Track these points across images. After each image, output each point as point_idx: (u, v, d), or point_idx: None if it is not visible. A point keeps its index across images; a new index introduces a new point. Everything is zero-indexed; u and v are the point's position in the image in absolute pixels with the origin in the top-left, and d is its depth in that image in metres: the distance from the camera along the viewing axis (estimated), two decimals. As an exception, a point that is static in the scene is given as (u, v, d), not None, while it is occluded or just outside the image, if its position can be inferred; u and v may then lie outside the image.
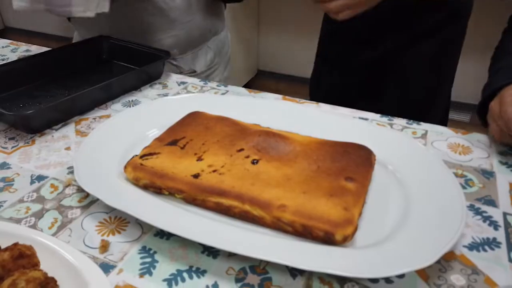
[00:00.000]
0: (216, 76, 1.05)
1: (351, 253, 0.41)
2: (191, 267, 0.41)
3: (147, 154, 0.52)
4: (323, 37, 0.99)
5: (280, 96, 0.74)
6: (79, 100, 0.68)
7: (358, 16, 0.67)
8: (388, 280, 0.40)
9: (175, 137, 0.56)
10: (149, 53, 0.81)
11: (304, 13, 2.37)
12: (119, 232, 0.45)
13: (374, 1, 0.67)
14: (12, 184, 0.53)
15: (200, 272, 0.41)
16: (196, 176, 0.49)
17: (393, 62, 0.85)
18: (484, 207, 0.49)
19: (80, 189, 0.51)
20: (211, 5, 0.96)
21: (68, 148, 0.60)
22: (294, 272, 0.41)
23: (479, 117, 0.63)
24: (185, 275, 0.40)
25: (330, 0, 0.64)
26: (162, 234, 0.45)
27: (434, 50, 0.84)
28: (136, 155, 0.52)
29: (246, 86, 2.50)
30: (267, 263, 0.41)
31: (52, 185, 0.53)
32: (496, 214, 0.48)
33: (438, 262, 0.41)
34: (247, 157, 0.52)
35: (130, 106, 0.71)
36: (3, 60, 0.92)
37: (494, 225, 0.46)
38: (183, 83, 0.80)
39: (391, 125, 0.65)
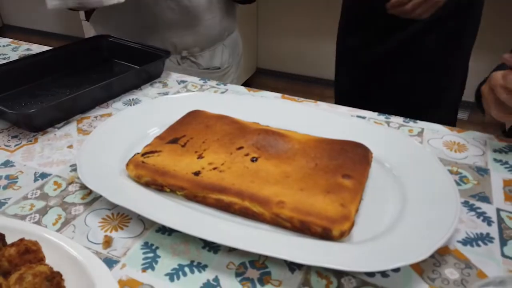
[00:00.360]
0: (230, 75, 1.07)
1: (348, 248, 0.42)
2: (192, 262, 0.42)
3: (149, 152, 0.53)
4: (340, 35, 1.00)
5: (279, 94, 0.75)
6: (80, 99, 0.69)
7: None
8: (384, 274, 0.41)
9: (176, 135, 0.57)
10: (149, 52, 0.82)
11: (303, 12, 2.38)
12: (121, 228, 0.46)
13: None
14: (16, 182, 0.54)
15: (201, 267, 0.42)
16: (196, 173, 0.50)
17: (403, 56, 0.86)
18: (478, 203, 0.50)
19: (83, 187, 0.52)
20: (228, 5, 0.98)
21: (70, 146, 0.61)
22: (292, 266, 0.42)
23: (477, 104, 0.65)
24: (186, 269, 0.42)
25: (406, 3, 0.66)
26: (163, 230, 0.46)
27: (441, 43, 0.85)
28: (138, 153, 0.53)
29: (245, 84, 2.51)
30: (266, 258, 0.42)
31: (55, 183, 0.54)
32: (489, 210, 0.49)
33: (432, 256, 0.42)
34: (247, 155, 0.53)
35: (131, 105, 0.72)
36: (4, 59, 0.92)
37: (488, 220, 0.47)
38: (183, 81, 0.81)
39: (388, 123, 0.67)
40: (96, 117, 0.69)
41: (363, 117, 0.68)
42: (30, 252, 0.38)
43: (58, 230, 0.46)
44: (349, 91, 1.02)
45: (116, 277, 0.41)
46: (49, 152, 0.60)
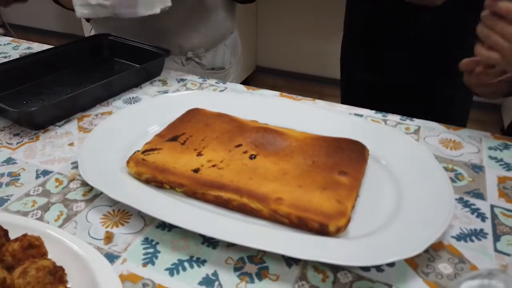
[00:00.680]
0: (231, 74, 1.07)
1: (344, 243, 0.43)
2: (191, 257, 0.43)
3: (149, 149, 0.54)
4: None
5: (277, 93, 0.76)
6: (81, 97, 0.70)
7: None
8: (379, 268, 0.42)
9: (176, 133, 0.58)
10: (149, 51, 0.82)
11: (302, 10, 2.38)
12: (122, 224, 0.47)
13: None
14: (18, 179, 0.55)
15: (201, 262, 0.43)
16: (196, 170, 0.51)
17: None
18: (473, 200, 0.51)
19: (84, 184, 0.53)
20: (230, 4, 0.99)
21: (71, 144, 0.62)
22: (290, 261, 0.43)
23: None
24: (186, 264, 0.43)
25: None
26: (163, 226, 0.47)
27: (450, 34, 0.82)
28: (138, 151, 0.54)
29: (245, 82, 2.52)
30: (264, 253, 0.43)
31: (57, 180, 0.54)
32: (484, 206, 0.50)
33: (427, 251, 0.43)
34: (245, 152, 0.53)
35: (131, 103, 0.73)
36: (5, 57, 0.93)
37: (482, 217, 0.48)
38: (182, 80, 0.81)
39: (385, 121, 0.67)
40: (96, 115, 0.70)
41: (361, 115, 0.69)
42: (33, 247, 0.39)
43: (60, 226, 0.47)
44: (358, 91, 1.00)
45: (117, 271, 0.41)
46: (51, 149, 0.61)
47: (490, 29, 0.55)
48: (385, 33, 0.86)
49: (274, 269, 0.42)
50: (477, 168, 0.56)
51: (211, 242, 0.45)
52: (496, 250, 0.44)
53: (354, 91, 1.02)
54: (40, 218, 0.48)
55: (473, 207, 0.50)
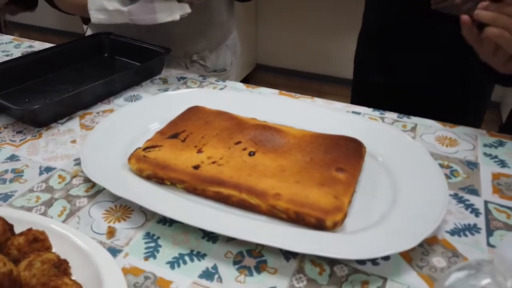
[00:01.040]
0: (233, 74, 1.07)
1: (340, 238, 0.44)
2: (192, 251, 0.44)
3: (150, 146, 0.55)
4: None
5: (276, 91, 0.77)
6: (83, 95, 0.71)
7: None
8: (374, 262, 0.43)
9: (176, 130, 0.59)
10: (149, 49, 0.83)
11: (302, 8, 2.39)
12: (124, 220, 0.48)
13: None
14: (22, 175, 0.56)
15: (201, 256, 0.44)
16: (196, 167, 0.52)
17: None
18: (467, 196, 0.52)
19: (86, 180, 0.54)
20: (230, 4, 0.99)
21: (73, 141, 0.63)
22: (287, 255, 0.44)
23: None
24: (186, 258, 0.44)
25: None
26: (164, 221, 0.48)
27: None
28: (139, 148, 0.55)
29: (245, 80, 2.53)
30: (263, 247, 0.44)
31: (60, 176, 0.56)
32: (478, 202, 0.51)
33: (421, 246, 0.44)
34: (244, 149, 0.54)
35: (132, 101, 0.74)
36: (7, 56, 0.94)
37: (476, 212, 0.49)
38: (182, 78, 0.82)
39: (382, 119, 0.68)
40: (98, 113, 0.71)
41: (358, 113, 0.70)
42: (38, 241, 0.40)
43: (63, 221, 0.48)
44: (370, 92, 0.97)
45: (119, 265, 0.43)
46: (53, 146, 0.62)
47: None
48: (405, 35, 0.83)
49: (272, 262, 0.43)
50: (472, 165, 0.57)
51: (211, 237, 0.46)
52: (489, 244, 0.45)
53: (366, 93, 0.99)
54: (44, 214, 0.49)
55: (467, 202, 0.51)
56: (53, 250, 0.41)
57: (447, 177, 0.55)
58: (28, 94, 0.75)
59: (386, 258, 0.43)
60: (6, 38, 1.05)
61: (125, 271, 0.42)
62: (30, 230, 0.41)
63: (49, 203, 0.51)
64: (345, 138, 0.57)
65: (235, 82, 0.81)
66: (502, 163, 0.58)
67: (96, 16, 0.75)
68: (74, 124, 0.68)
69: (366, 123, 0.64)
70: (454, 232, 0.47)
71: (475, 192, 0.53)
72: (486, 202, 0.51)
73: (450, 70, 0.85)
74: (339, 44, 2.39)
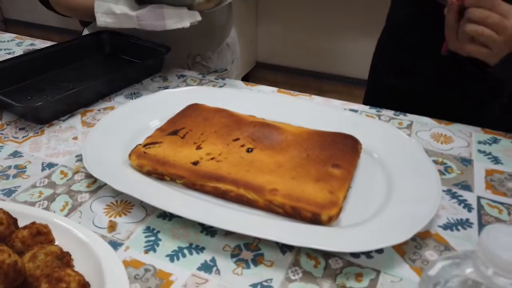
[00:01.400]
0: (234, 72, 1.06)
1: (335, 232, 0.45)
2: (191, 244, 0.46)
3: (150, 143, 0.56)
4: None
5: (275, 89, 0.78)
6: (84, 93, 0.72)
7: None
8: (368, 255, 0.44)
9: (176, 127, 0.60)
10: (150, 47, 0.84)
11: (302, 6, 2.40)
12: (125, 214, 0.50)
13: None
14: (25, 171, 0.57)
15: (199, 249, 0.45)
16: (195, 163, 0.53)
17: None
18: (460, 192, 0.53)
19: (88, 176, 0.56)
20: (230, 3, 0.97)
21: (75, 138, 0.64)
22: (284, 248, 0.45)
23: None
24: (185, 251, 0.45)
25: None
26: (164, 216, 0.49)
27: None
28: (140, 144, 0.57)
29: (245, 78, 2.54)
30: (260, 240, 0.46)
31: (62, 172, 0.57)
32: (470, 197, 0.52)
33: (414, 240, 0.46)
34: (243, 146, 0.56)
35: (132, 98, 0.75)
36: (9, 53, 0.95)
37: (468, 207, 0.51)
38: (182, 76, 0.84)
39: (379, 116, 0.69)
40: (99, 110, 0.72)
41: (355, 110, 0.71)
42: (41, 234, 0.41)
43: (65, 216, 0.49)
44: (385, 95, 0.93)
45: (120, 258, 0.44)
46: (55, 143, 0.63)
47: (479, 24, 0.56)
48: (428, 40, 0.78)
49: (269, 255, 0.44)
50: (466, 161, 0.59)
51: (209, 231, 0.47)
52: (480, 238, 0.46)
53: (381, 95, 0.97)
54: (47, 208, 0.51)
55: (460, 198, 0.52)
56: (56, 243, 0.42)
57: (442, 173, 0.56)
58: (30, 91, 0.76)
59: (380, 251, 0.44)
60: (8, 36, 1.06)
61: (126, 264, 0.43)
62: (33, 223, 0.42)
63: (51, 198, 0.52)
64: (342, 135, 0.58)
65: (234, 80, 0.82)
66: (496, 160, 0.59)
67: (103, 20, 0.74)
68: (75, 121, 0.69)
69: (362, 120, 0.65)
70: (447, 226, 0.48)
71: (468, 188, 0.54)
72: (478, 198, 0.52)
73: (471, 76, 0.78)
74: (339, 42, 2.40)
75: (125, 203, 0.51)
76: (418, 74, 0.86)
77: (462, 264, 0.26)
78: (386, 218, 0.46)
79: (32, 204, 0.51)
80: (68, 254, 0.40)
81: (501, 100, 0.65)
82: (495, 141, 0.63)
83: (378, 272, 0.42)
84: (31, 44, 1.01)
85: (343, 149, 0.55)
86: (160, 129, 0.60)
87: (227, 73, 1.03)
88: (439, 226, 0.48)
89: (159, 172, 0.53)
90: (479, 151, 0.61)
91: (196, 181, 0.51)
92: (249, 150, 0.55)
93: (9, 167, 0.58)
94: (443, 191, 0.53)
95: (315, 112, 0.67)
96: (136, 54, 0.86)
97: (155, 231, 0.47)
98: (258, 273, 0.42)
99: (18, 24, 3.37)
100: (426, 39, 0.79)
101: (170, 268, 0.43)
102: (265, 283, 0.41)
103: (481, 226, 0.48)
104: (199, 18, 0.73)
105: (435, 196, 0.48)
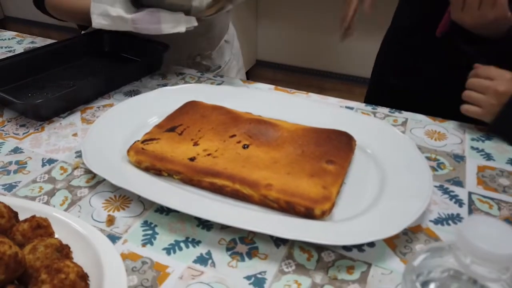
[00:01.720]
0: (234, 68, 1.06)
1: (328, 226, 0.46)
2: (187, 238, 0.47)
3: (148, 139, 0.57)
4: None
5: (272, 86, 0.79)
6: (84, 90, 0.73)
7: None
8: (360, 248, 0.45)
9: (174, 124, 0.61)
10: (149, 46, 0.85)
11: (302, 3, 2.40)
12: (123, 209, 0.51)
13: None
14: (25, 167, 0.58)
15: (196, 242, 0.46)
16: (192, 159, 0.54)
17: None
18: (452, 187, 0.54)
19: (87, 171, 0.57)
20: None
21: (75, 135, 0.65)
22: (278, 242, 0.46)
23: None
24: (182, 244, 0.46)
25: None
26: (162, 210, 0.50)
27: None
28: (138, 141, 0.58)
29: (245, 76, 2.54)
30: (255, 234, 0.47)
31: (61, 168, 0.58)
32: (462, 193, 0.53)
33: (405, 234, 0.47)
34: (239, 142, 0.57)
35: (131, 96, 0.76)
36: (9, 51, 0.96)
37: (459, 203, 0.52)
38: (181, 73, 0.84)
39: (374, 113, 0.70)
40: (98, 107, 0.73)
41: (351, 108, 0.72)
42: (41, 227, 0.42)
43: (65, 210, 0.50)
44: (387, 94, 0.95)
45: (118, 250, 0.45)
46: (55, 139, 0.64)
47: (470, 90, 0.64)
48: (432, 42, 0.79)
49: (263, 249, 0.45)
50: (459, 158, 0.60)
51: (205, 225, 0.48)
52: (470, 232, 0.47)
53: (383, 94, 0.97)
54: (47, 203, 0.52)
55: (452, 193, 0.53)
56: (56, 236, 0.43)
57: (434, 169, 0.57)
58: (30, 89, 0.77)
59: (372, 245, 0.45)
60: (9, 34, 1.07)
61: (124, 257, 0.44)
62: (33, 217, 0.43)
63: (51, 193, 0.53)
64: (336, 131, 0.59)
65: (232, 78, 0.83)
66: (488, 156, 0.60)
67: (98, 21, 0.74)
68: (75, 118, 0.70)
69: (357, 118, 0.66)
70: (438, 221, 0.49)
71: (460, 183, 0.55)
72: (470, 193, 0.53)
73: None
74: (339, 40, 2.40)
75: (123, 198, 0.52)
76: (422, 75, 0.87)
77: (444, 255, 0.27)
78: (378, 213, 0.47)
79: (33, 198, 0.52)
80: (67, 247, 0.41)
81: None
82: (488, 138, 0.64)
83: (369, 265, 0.43)
84: (32, 42, 1.02)
85: (337, 146, 0.56)
86: (158, 126, 0.61)
87: (223, 69, 1.03)
88: (430, 221, 0.49)
89: (157, 168, 0.54)
90: (472, 147, 0.62)
91: (193, 177, 0.52)
92: (245, 147, 0.56)
93: (10, 162, 0.59)
94: (435, 186, 0.54)
95: (311, 109, 0.68)
96: (136, 52, 0.87)
97: (152, 225, 0.48)
98: (253, 265, 0.44)
99: (18, 21, 3.38)
100: (429, 41, 0.80)
101: (167, 260, 0.44)
102: (259, 275, 0.42)
103: (471, 221, 0.49)
104: (195, 23, 0.73)
105: (426, 191, 0.49)
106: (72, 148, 0.62)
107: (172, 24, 0.72)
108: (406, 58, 0.91)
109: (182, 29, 0.72)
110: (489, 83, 0.62)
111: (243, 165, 0.52)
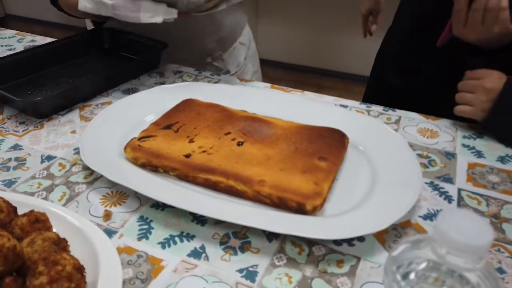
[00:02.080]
0: (248, 71, 1.04)
1: (319, 221, 0.47)
2: (182, 232, 0.48)
3: (145, 136, 0.59)
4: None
5: (268, 84, 0.80)
6: (82, 88, 0.74)
7: None
8: (350, 243, 0.46)
9: (170, 121, 0.62)
10: (147, 44, 0.86)
11: (303, 2, 2.41)
12: (120, 204, 0.52)
13: None
14: (25, 163, 0.59)
15: (190, 237, 0.47)
16: (188, 156, 0.55)
17: None
18: (442, 184, 0.55)
19: (85, 168, 0.58)
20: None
21: (73, 132, 0.66)
22: (270, 236, 0.47)
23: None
24: (176, 239, 0.47)
25: None
26: (157, 206, 0.52)
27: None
28: (135, 138, 0.59)
29: (244, 74, 2.54)
30: (248, 229, 0.48)
31: (60, 164, 0.59)
32: (452, 189, 0.54)
33: (395, 229, 0.48)
34: (234, 139, 0.58)
35: (129, 94, 0.77)
36: (10, 49, 0.97)
37: (449, 199, 0.53)
38: (178, 72, 0.86)
39: (368, 111, 0.71)
40: (97, 105, 0.74)
41: (346, 106, 0.73)
42: (39, 222, 0.43)
43: (63, 206, 0.52)
44: (386, 94, 0.95)
45: (114, 244, 0.46)
46: (54, 137, 0.65)
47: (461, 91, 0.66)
48: (432, 41, 0.78)
49: (256, 243, 0.47)
50: (450, 155, 0.61)
51: (200, 220, 0.50)
52: (458, 228, 0.48)
53: (382, 94, 0.97)
54: (45, 198, 0.53)
55: (441, 190, 0.54)
56: (53, 230, 0.44)
57: (425, 166, 0.58)
58: (30, 87, 0.78)
59: (361, 239, 0.47)
60: (9, 32, 1.08)
61: (120, 250, 0.46)
62: (32, 211, 0.44)
63: (50, 189, 0.54)
64: (329, 129, 0.60)
65: (229, 76, 0.84)
66: (479, 154, 0.61)
67: (84, 4, 0.74)
68: (74, 115, 0.71)
69: (351, 115, 0.67)
70: (427, 216, 0.50)
71: (450, 180, 0.56)
72: (459, 190, 0.54)
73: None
74: (339, 38, 2.41)
75: (120, 193, 0.54)
76: (422, 75, 0.88)
77: (422, 247, 0.28)
78: (368, 208, 0.48)
79: (31, 194, 0.54)
80: (64, 240, 0.42)
81: None
82: (480, 135, 0.65)
83: (358, 259, 0.44)
84: (32, 41, 1.03)
85: (330, 143, 0.57)
86: (155, 123, 0.62)
87: (237, 72, 1.00)
88: (420, 216, 0.50)
89: (153, 164, 0.55)
90: (463, 145, 0.63)
91: (188, 173, 0.53)
92: (239, 144, 0.57)
93: (10, 159, 0.60)
94: (426, 183, 0.55)
95: (306, 108, 0.69)
96: (134, 50, 0.88)
97: (148, 220, 0.50)
98: (245, 259, 0.45)
99: (20, 19, 3.39)
100: (430, 41, 0.80)
101: (162, 254, 0.45)
102: (251, 268, 0.44)
103: (460, 216, 0.50)
104: (174, 15, 0.72)
105: (415, 188, 0.50)
106: (71, 145, 0.63)
107: (151, 14, 0.71)
108: (406, 58, 0.92)
109: (159, 19, 0.71)
110: (477, 82, 0.64)
111: (237, 162, 0.54)
